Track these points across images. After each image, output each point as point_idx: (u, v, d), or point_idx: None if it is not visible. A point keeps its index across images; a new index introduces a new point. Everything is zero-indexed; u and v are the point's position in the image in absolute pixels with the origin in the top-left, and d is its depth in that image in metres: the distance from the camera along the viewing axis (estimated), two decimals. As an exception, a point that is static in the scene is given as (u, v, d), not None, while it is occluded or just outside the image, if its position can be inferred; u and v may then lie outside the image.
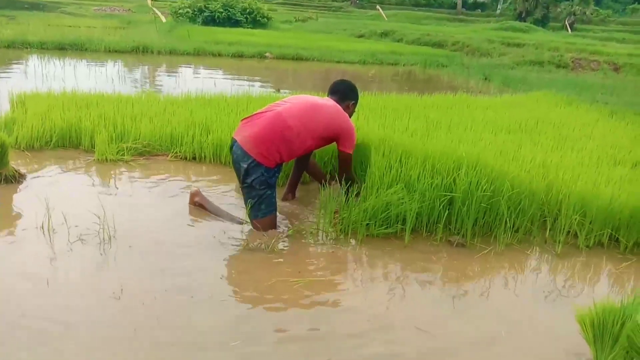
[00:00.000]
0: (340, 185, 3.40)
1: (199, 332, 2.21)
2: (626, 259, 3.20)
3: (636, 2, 47.24)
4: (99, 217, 2.99)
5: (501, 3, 43.37)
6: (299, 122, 3.10)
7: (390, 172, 3.34)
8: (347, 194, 3.28)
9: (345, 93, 3.50)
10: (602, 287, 2.90)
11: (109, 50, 11.82)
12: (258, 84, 9.35)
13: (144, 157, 4.34)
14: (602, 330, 2.01)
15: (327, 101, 3.37)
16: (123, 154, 4.24)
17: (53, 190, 3.53)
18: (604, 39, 24.40)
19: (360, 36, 20.51)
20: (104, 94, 5.71)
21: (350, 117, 3.47)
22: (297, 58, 13.15)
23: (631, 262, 3.17)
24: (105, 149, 4.18)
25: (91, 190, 3.63)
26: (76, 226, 3.01)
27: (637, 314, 1.99)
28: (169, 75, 9.80)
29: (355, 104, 3.57)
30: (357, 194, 3.30)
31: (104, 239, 2.91)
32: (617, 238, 3.32)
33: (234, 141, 3.15)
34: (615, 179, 3.75)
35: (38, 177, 3.80)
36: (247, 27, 20.14)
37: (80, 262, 2.69)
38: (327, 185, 3.37)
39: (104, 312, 2.30)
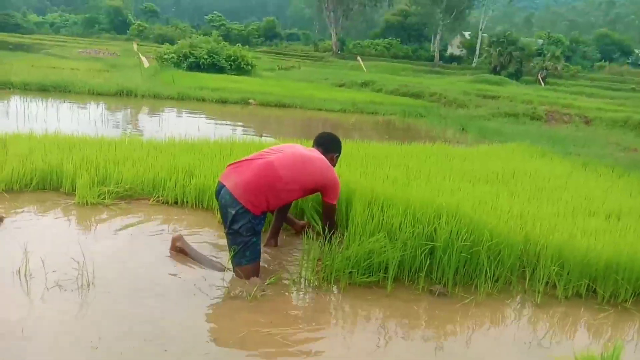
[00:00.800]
0: (323, 234, 3.42)
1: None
2: (603, 309, 3.25)
3: (603, 60, 49.69)
4: (77, 262, 2.95)
5: (476, 57, 45.15)
6: (289, 173, 3.14)
7: (373, 220, 3.39)
8: (330, 242, 3.30)
9: (330, 145, 3.61)
10: (580, 338, 2.93)
11: (93, 93, 11.88)
12: (241, 129, 9.45)
13: (125, 201, 4.32)
14: (583, 382, 2.03)
15: (315, 153, 3.44)
16: (104, 198, 4.21)
17: (31, 234, 3.48)
18: (575, 92, 25.48)
19: (341, 85, 21.01)
20: (87, 137, 5.71)
21: (334, 167, 3.55)
22: (280, 105, 13.38)
23: (608, 313, 3.22)
24: (87, 192, 4.15)
25: (70, 235, 3.58)
26: (54, 271, 2.95)
27: (616, 365, 2.02)
28: (152, 119, 9.85)
29: (338, 156, 3.69)
30: (340, 242, 3.32)
31: (82, 285, 2.85)
32: (595, 289, 3.38)
33: (221, 186, 3.16)
34: (591, 230, 3.85)
35: (16, 220, 3.73)
36: (231, 74, 20.51)
37: (58, 309, 2.63)
38: (307, 230, 3.41)
39: (81, 361, 2.24)
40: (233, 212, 3.04)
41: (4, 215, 3.72)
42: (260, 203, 3.08)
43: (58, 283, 2.85)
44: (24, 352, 2.26)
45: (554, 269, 3.35)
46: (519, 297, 3.33)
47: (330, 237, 3.35)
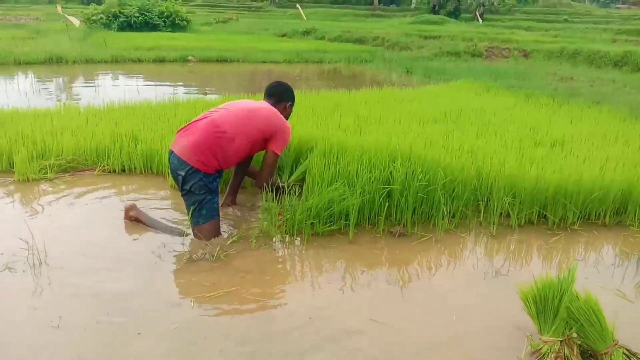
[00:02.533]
0: (262, 190, 3.31)
1: (147, 355, 2.12)
2: (554, 234, 3.41)
3: (537, -8, 50.41)
4: (26, 242, 2.80)
5: (415, -3, 44.85)
6: (233, 127, 3.07)
7: (330, 169, 3.37)
8: (279, 196, 3.26)
9: (281, 95, 3.48)
10: (536, 263, 3.07)
11: (19, 63, 11.11)
12: (183, 88, 9.11)
13: (69, 174, 4.11)
14: (544, 305, 2.13)
15: (263, 104, 3.34)
16: (46, 172, 3.99)
17: (-30, 218, 3.27)
18: (512, 27, 25.91)
19: (283, 35, 20.54)
20: (19, 110, 5.36)
21: (287, 118, 3.47)
22: (222, 60, 12.96)
23: (559, 236, 3.38)
24: (26, 168, 3.92)
25: (15, 214, 3.39)
26: (1, 254, 2.80)
27: (572, 285, 2.13)
28: (87, 86, 9.33)
29: (292, 105, 3.54)
30: (299, 195, 3.29)
31: (34, 264, 2.72)
32: (545, 215, 3.53)
33: (170, 152, 3.08)
34: (538, 159, 3.99)
35: (-49, 204, 3.50)
36: (166, 31, 19.58)
37: (11, 293, 2.51)
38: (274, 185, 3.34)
39: (44, 341, 2.16)
40: (182, 173, 3.00)
41: (-64, 200, 3.47)
42: (210, 161, 3.01)
43: (7, 266, 2.71)
44: (-20, 341, 2.15)
45: (506, 200, 3.46)
46: (475, 230, 3.44)
47: (275, 190, 3.29)
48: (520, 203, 3.49)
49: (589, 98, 7.58)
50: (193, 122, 3.16)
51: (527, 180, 3.52)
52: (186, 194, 3.06)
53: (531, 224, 3.52)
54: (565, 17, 35.51)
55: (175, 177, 3.09)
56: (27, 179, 3.90)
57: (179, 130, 3.18)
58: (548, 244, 3.28)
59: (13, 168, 3.99)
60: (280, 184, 3.42)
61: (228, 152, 3.07)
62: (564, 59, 14.07)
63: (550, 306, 2.11)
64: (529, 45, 15.78)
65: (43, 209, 3.49)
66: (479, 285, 2.79)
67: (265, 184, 3.29)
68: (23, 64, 11.12)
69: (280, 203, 3.26)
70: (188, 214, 3.08)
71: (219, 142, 3.02)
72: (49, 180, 3.96)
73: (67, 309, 2.38)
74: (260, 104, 3.33)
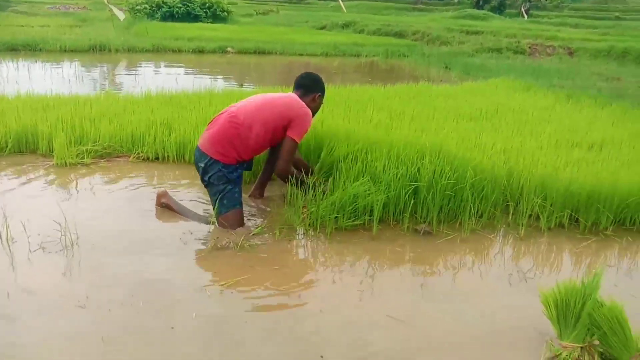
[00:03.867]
0: (266, 174, 3.53)
1: (169, 338, 2.19)
2: (585, 238, 3.31)
3: (587, -12, 48.67)
4: (59, 224, 2.91)
5: (459, -9, 43.98)
6: (250, 115, 3.13)
7: (356, 164, 3.36)
8: (314, 190, 3.26)
9: (309, 86, 3.42)
10: (563, 267, 2.99)
11: (65, 50, 11.48)
12: (220, 79, 9.24)
13: (105, 160, 4.24)
14: (565, 309, 2.08)
15: (284, 95, 3.37)
16: (83, 157, 4.13)
17: (10, 198, 3.42)
18: (558, 24, 25.09)
19: (322, 28, 20.49)
20: (61, 96, 5.55)
21: (317, 110, 3.46)
22: (259, 52, 13.06)
23: (590, 241, 3.28)
24: (64, 152, 4.07)
25: (51, 196, 3.53)
26: (38, 234, 2.92)
27: (596, 291, 2.07)
28: (128, 74, 9.58)
29: (322, 96, 3.46)
30: (324, 190, 3.29)
31: (66, 245, 2.83)
32: (577, 219, 3.43)
33: (196, 147, 3.24)
34: (573, 162, 3.88)
35: (-6, 185, 3.66)
36: (207, 22, 19.87)
37: (42, 271, 2.62)
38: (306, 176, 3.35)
39: (70, 321, 2.24)
40: (202, 165, 3.12)
41: (-20, 180, 3.64)
42: (228, 151, 3.09)
43: (41, 246, 2.82)
44: (11, 315, 2.26)
45: (537, 202, 3.38)
46: (502, 231, 3.37)
47: (297, 181, 3.28)
48: (551, 205, 3.40)
49: (635, 100, 7.29)
50: (217, 115, 3.26)
51: (560, 181, 3.43)
52: (207, 185, 3.17)
53: (562, 228, 3.43)
54: (617, 14, 34.15)
55: (198, 169, 3.21)
56: (65, 163, 4.05)
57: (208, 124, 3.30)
58: (578, 249, 3.19)
59: (52, 152, 4.14)
60: (305, 180, 3.38)
61: (247, 142, 3.12)
62: (612, 58, 13.56)
63: (572, 311, 2.06)
64: (575, 43, 15.27)
65: (78, 193, 3.62)
66: (502, 287, 2.74)
67: (285, 173, 3.26)
68: (69, 51, 11.49)
69: (305, 195, 3.28)
70: (212, 205, 3.15)
71: (235, 132, 3.09)
72: (86, 165, 4.09)
73: (94, 289, 2.47)
74: (283, 95, 3.36)
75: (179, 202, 3.44)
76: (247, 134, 3.10)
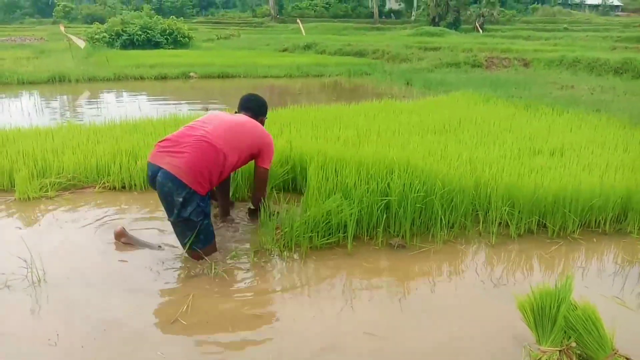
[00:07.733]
0: (253, 202, 3.46)
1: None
2: (554, 242, 3.40)
3: (536, 2, 50.81)
4: (25, 261, 2.81)
5: (415, 9, 45.19)
6: (226, 144, 3.01)
7: (327, 182, 3.38)
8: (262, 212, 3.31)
9: (259, 109, 3.54)
10: (535, 272, 3.05)
11: (23, 82, 11.24)
12: (185, 105, 9.17)
13: (69, 192, 4.13)
14: (541, 314, 2.12)
15: (244, 118, 3.33)
16: (46, 190, 4.02)
17: (-29, 237, 3.29)
18: (512, 37, 26.03)
19: (284, 50, 20.67)
20: (21, 129, 5.41)
21: None
22: (223, 76, 13.06)
23: (559, 245, 3.36)
24: (27, 186, 3.95)
25: (14, 233, 3.40)
26: (3, 273, 2.81)
27: (570, 294, 2.12)
28: (90, 103, 9.40)
29: (265, 119, 3.62)
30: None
31: (33, 282, 2.73)
32: (545, 224, 3.51)
33: (156, 169, 2.91)
34: (537, 168, 3.99)
35: (-48, 224, 3.52)
36: (168, 48, 19.79)
37: (10, 310, 2.51)
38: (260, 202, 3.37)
39: (41, 358, 2.16)
40: (180, 198, 2.83)
41: (-62, 220, 3.49)
42: (205, 181, 2.91)
43: (6, 284, 2.71)
44: (-23, 360, 2.16)
45: (505, 209, 3.45)
46: (474, 240, 3.42)
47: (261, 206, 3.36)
48: (519, 212, 3.48)
49: (589, 106, 7.57)
50: (173, 137, 3.01)
51: (526, 189, 3.52)
52: (183, 221, 2.89)
53: (531, 233, 3.50)
54: (565, 25, 35.67)
55: (169, 201, 2.88)
56: (28, 197, 3.93)
57: (159, 142, 3.04)
58: (547, 253, 3.26)
59: (14, 187, 4.01)
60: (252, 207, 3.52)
61: (220, 169, 2.99)
62: (564, 67, 14.09)
63: (547, 316, 2.09)
64: (529, 55, 15.83)
65: (42, 227, 3.51)
66: (478, 295, 2.77)
67: (261, 199, 3.35)
68: (27, 83, 11.25)
69: (277, 217, 3.27)
70: (180, 238, 3.02)
71: (215, 160, 2.94)
72: (50, 198, 3.98)
73: (65, 326, 2.38)
74: (242, 118, 3.32)
75: (139, 238, 3.27)
76: (222, 161, 2.98)
